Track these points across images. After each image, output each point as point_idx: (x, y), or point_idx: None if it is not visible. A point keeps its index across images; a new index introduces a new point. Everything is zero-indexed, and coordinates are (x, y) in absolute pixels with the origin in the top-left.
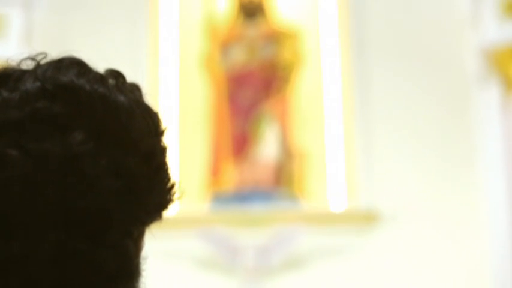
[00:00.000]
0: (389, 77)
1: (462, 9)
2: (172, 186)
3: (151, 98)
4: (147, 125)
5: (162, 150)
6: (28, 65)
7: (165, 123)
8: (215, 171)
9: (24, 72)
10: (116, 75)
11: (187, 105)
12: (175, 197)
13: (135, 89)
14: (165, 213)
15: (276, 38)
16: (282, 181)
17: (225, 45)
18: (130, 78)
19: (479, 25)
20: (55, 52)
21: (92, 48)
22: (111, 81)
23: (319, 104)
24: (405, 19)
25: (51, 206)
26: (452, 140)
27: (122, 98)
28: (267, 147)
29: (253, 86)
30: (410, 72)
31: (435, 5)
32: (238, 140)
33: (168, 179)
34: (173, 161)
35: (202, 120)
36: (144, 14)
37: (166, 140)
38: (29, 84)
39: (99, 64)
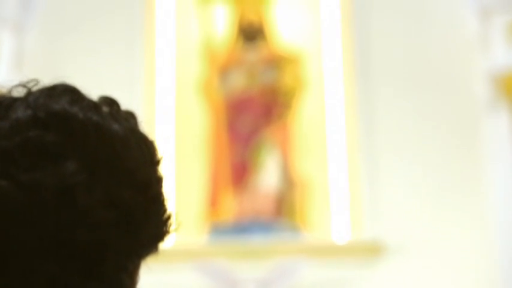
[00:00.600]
0: (394, 103)
1: (471, 33)
2: (169, 217)
3: (147, 126)
4: (142, 155)
5: (158, 180)
6: (19, 92)
7: (161, 152)
8: (213, 202)
9: (15, 100)
10: (110, 102)
11: (184, 133)
12: (171, 228)
13: (130, 116)
14: (162, 246)
15: (276, 62)
16: (283, 211)
17: (224, 70)
18: (125, 105)
19: (488, 49)
20: (47, 78)
21: (86, 74)
22: (105, 109)
23: (322, 131)
24: (411, 42)
25: (43, 239)
26: (460, 168)
27: (116, 126)
28: (268, 176)
29: (253, 113)
30: (416, 97)
31: (442, 29)
32: (238, 169)
33: (164, 210)
34: (169, 191)
35: (199, 148)
36: (140, 38)
37: (163, 169)
38: (20, 112)
39: (93, 91)
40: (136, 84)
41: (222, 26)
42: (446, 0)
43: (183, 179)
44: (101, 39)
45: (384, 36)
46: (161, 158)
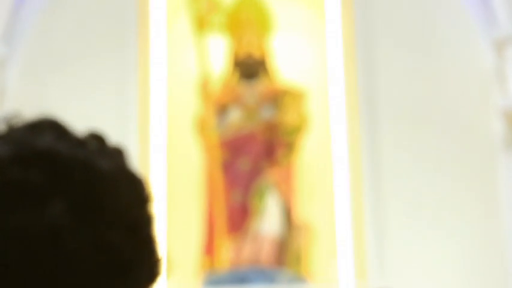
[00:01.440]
0: (402, 142)
1: (484, 66)
2: (160, 260)
3: (140, 165)
4: (131, 194)
5: (148, 221)
6: (0, 129)
7: (152, 190)
8: (209, 248)
9: None
10: (98, 138)
11: (177, 173)
12: (162, 271)
13: (119, 153)
14: None
15: (277, 98)
16: (285, 259)
17: (221, 106)
18: (115, 141)
19: (504, 85)
20: (31, 115)
21: (74, 111)
22: (92, 146)
23: (327, 173)
24: (420, 76)
25: (27, 285)
26: (475, 214)
27: (103, 164)
28: (268, 220)
29: (253, 152)
30: (425, 136)
31: (454, 62)
32: (236, 213)
33: (156, 252)
34: (161, 238)
35: (194, 190)
36: (132, 73)
37: (153, 209)
38: (1, 150)
39: (82, 128)
40: (129, 122)
41: (219, 59)
42: (458, 31)
43: (176, 223)
44: (89, 74)
45: (390, 70)
46: (152, 197)
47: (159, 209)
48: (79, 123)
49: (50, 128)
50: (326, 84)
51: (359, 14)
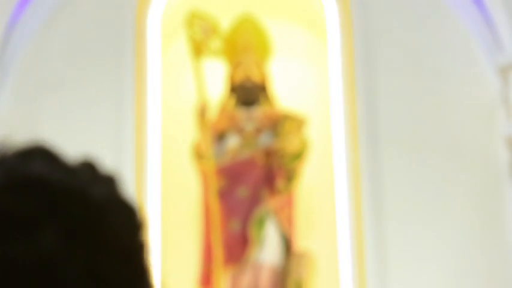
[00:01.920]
0: (405, 170)
1: (491, 94)
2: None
3: (135, 192)
4: (123, 222)
5: (141, 250)
6: None
7: (146, 218)
8: (206, 280)
9: None
10: (90, 166)
11: (173, 202)
12: None
13: (111, 181)
14: None
15: (277, 124)
16: None
17: (219, 134)
18: (108, 168)
19: (509, 111)
20: (23, 140)
21: (67, 137)
22: (84, 174)
23: (328, 200)
24: (424, 102)
25: None
26: (480, 243)
27: (95, 192)
28: (268, 250)
29: (252, 180)
30: (429, 164)
31: (459, 89)
32: (234, 242)
33: (149, 282)
34: (156, 267)
35: (190, 219)
36: (129, 100)
37: (147, 238)
38: None
39: (75, 154)
40: (125, 148)
41: (217, 84)
42: (462, 56)
43: (172, 252)
44: (84, 99)
45: (393, 95)
46: (145, 225)
47: (154, 238)
48: (73, 149)
49: (42, 155)
50: (326, 109)
51: (360, 38)
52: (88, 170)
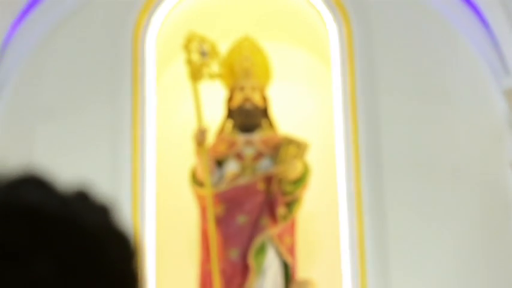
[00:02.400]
0: (408, 196)
1: (497, 118)
2: None
3: (130, 220)
4: (117, 252)
5: (136, 279)
6: None
7: (140, 249)
8: None
9: None
10: (83, 195)
11: (168, 230)
12: None
13: (104, 210)
14: None
15: (278, 150)
16: None
17: (218, 159)
18: (102, 197)
19: None
20: (17, 168)
21: (63, 163)
22: (77, 203)
23: (332, 228)
24: (429, 127)
25: None
26: (487, 273)
27: (89, 222)
28: (269, 279)
29: (252, 207)
30: (434, 189)
31: (465, 113)
32: (233, 272)
33: None
34: None
35: (187, 248)
36: (126, 126)
37: (141, 267)
38: None
39: (69, 182)
40: (121, 175)
41: (216, 109)
42: (469, 80)
43: (168, 282)
44: (80, 126)
45: (396, 119)
46: (138, 254)
47: (149, 266)
48: (68, 176)
49: (35, 184)
50: (328, 134)
51: (362, 61)
52: (81, 199)
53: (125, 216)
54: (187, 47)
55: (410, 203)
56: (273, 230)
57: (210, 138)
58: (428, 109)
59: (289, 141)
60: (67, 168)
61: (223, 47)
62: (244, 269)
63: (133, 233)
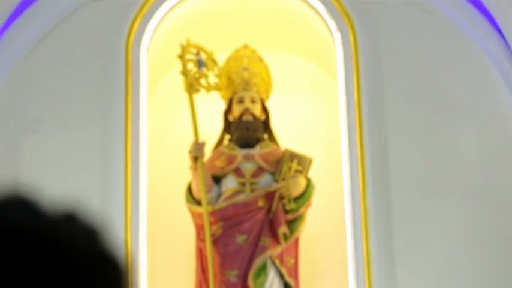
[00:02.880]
0: (417, 213)
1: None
2: None
3: (122, 237)
4: (105, 275)
5: None
6: None
7: (129, 272)
8: None
9: None
10: (71, 217)
11: (162, 250)
12: None
13: (93, 232)
14: None
15: (281, 165)
16: None
17: (216, 175)
18: (95, 212)
19: None
20: (2, 186)
21: (51, 179)
22: (65, 226)
23: (337, 247)
24: (438, 143)
25: None
26: None
27: (77, 245)
28: None
29: (252, 226)
30: (443, 209)
31: (477, 128)
32: None
33: None
34: None
35: (182, 269)
36: (119, 139)
37: None
38: None
39: (58, 199)
40: (113, 192)
41: (214, 122)
42: (482, 93)
43: None
44: (67, 139)
45: (404, 135)
46: (125, 276)
47: None
48: (57, 193)
49: (21, 206)
50: (332, 149)
51: (369, 73)
52: (69, 221)
53: (116, 235)
54: (183, 56)
55: (419, 222)
56: (274, 250)
57: (207, 152)
58: (439, 122)
59: (291, 156)
60: (55, 184)
61: (222, 57)
62: None
63: (125, 253)
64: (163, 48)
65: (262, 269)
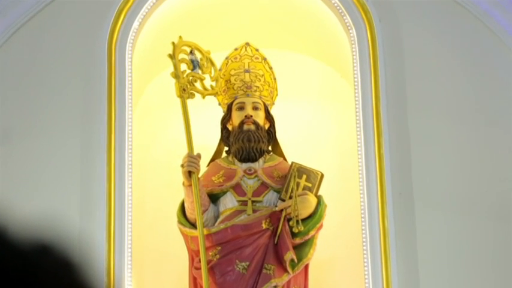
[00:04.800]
0: (441, 236)
1: None
2: None
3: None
4: None
5: None
6: None
7: None
8: None
9: None
10: (44, 248)
11: (149, 279)
12: None
13: (68, 265)
14: None
15: (287, 181)
16: None
17: (213, 193)
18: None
19: None
20: None
21: (24, 195)
22: (36, 257)
23: (352, 273)
24: (466, 155)
25: None
26: None
27: (49, 280)
28: None
29: (254, 251)
30: (470, 228)
31: (509, 140)
32: None
33: None
34: None
35: None
36: (101, 151)
37: None
38: None
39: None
40: (95, 209)
41: (210, 129)
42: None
43: None
44: (45, 149)
45: (428, 147)
46: None
47: None
48: (31, 213)
49: None
50: (347, 162)
51: (388, 74)
52: (42, 253)
53: (97, 263)
54: (174, 56)
55: (444, 243)
56: (280, 280)
57: (203, 166)
58: (468, 131)
59: (299, 171)
60: (28, 203)
61: (219, 57)
62: None
63: (107, 284)
64: (152, 47)
65: None
